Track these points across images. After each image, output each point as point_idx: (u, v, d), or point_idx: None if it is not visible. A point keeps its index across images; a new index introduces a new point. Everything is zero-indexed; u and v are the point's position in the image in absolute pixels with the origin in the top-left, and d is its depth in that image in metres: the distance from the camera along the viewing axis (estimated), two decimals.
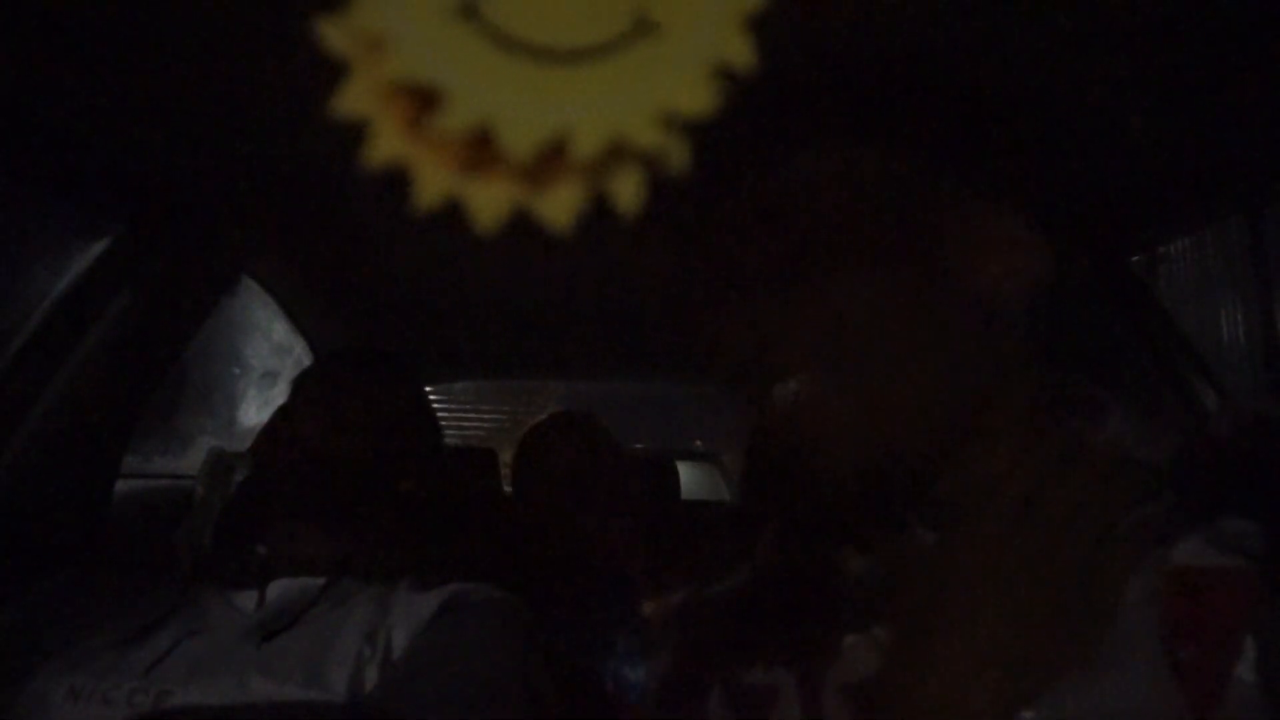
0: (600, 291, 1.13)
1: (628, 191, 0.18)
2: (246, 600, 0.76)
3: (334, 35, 0.18)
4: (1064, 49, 0.53)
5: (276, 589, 0.77)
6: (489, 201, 0.18)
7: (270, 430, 0.86)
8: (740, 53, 0.17)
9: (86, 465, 0.95)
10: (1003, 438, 0.51)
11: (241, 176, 0.80)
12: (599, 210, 0.19)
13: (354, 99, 0.18)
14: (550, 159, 0.18)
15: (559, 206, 0.18)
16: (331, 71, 0.18)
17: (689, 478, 2.53)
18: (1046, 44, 0.52)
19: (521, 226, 0.19)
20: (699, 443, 4.81)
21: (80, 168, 0.78)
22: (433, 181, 0.18)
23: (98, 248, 0.87)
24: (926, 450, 0.51)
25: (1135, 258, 1.05)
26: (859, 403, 0.51)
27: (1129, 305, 0.98)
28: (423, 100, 0.18)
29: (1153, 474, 0.48)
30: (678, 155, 0.18)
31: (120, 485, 1.02)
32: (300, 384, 0.89)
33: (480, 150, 0.18)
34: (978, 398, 0.52)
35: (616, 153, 0.18)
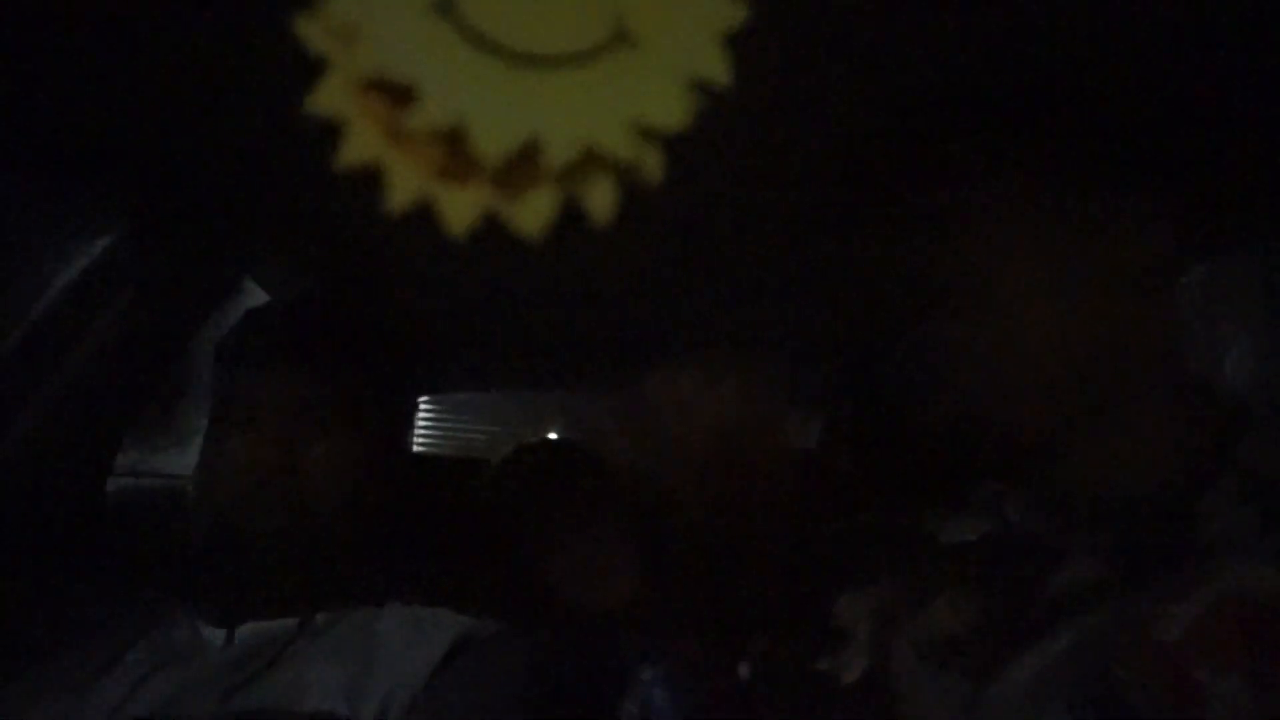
0: (600, 302, 1.13)
1: (601, 201, 0.18)
2: (215, 635, 0.70)
3: (310, 30, 0.18)
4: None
5: (247, 630, 0.70)
6: (461, 206, 0.18)
7: (210, 454, 0.73)
8: (717, 68, 0.17)
9: (83, 462, 0.95)
10: (1130, 429, 0.49)
11: (245, 179, 0.80)
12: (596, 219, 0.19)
13: (329, 97, 0.18)
14: (523, 165, 0.17)
15: (531, 214, 0.18)
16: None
17: None
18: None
19: (520, 235, 0.19)
20: None
21: (85, 163, 0.78)
22: (404, 184, 0.18)
23: (100, 244, 0.87)
24: (1052, 420, 0.50)
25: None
26: (999, 354, 0.50)
27: None
28: (397, 99, 0.18)
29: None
30: (651, 166, 0.17)
31: (118, 483, 1.01)
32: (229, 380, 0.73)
33: (453, 154, 0.18)
34: (1113, 378, 0.50)
35: (590, 161, 0.17)
